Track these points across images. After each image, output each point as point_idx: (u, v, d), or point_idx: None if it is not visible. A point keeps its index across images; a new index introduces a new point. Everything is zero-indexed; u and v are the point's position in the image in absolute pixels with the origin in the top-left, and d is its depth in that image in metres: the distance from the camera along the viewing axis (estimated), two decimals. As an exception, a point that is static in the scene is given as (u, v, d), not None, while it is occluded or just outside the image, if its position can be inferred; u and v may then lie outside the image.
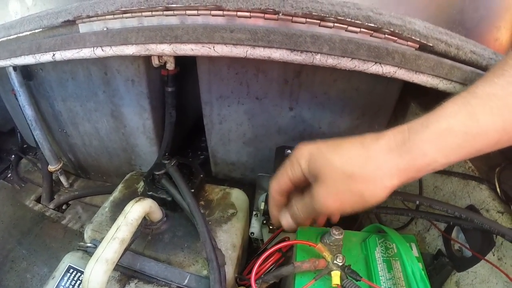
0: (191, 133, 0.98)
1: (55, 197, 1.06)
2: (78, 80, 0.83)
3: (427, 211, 0.61)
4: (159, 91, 0.81)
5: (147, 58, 0.75)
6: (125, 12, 0.59)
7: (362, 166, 0.40)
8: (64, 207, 1.06)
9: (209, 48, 0.49)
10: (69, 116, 0.91)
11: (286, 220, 0.52)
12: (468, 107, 0.37)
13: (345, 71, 0.55)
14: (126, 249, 0.58)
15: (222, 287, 0.54)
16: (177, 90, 0.81)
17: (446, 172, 0.65)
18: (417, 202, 0.53)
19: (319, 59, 0.51)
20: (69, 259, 0.64)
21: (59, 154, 1.03)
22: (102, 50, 0.59)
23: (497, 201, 0.57)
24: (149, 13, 0.59)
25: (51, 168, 0.99)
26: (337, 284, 0.52)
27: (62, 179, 1.05)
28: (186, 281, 0.58)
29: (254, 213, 0.77)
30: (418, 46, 0.57)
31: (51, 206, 1.05)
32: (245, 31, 0.47)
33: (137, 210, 0.56)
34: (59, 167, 0.99)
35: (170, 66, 0.75)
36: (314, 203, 0.44)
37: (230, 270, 0.59)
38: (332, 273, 0.54)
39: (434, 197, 0.68)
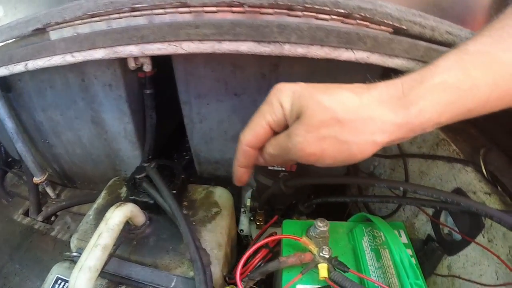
0: (175, 134, 0.99)
1: (43, 209, 1.07)
2: (57, 88, 0.83)
3: (414, 197, 0.62)
4: (138, 94, 0.81)
5: (123, 61, 0.75)
6: (92, 16, 0.60)
7: (355, 113, 0.37)
8: (52, 218, 1.07)
9: (175, 46, 0.50)
10: (50, 125, 0.91)
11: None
12: (460, 62, 0.37)
13: (322, 62, 0.56)
14: (111, 256, 0.59)
15: (208, 287, 0.55)
16: (156, 91, 0.81)
17: (431, 156, 0.66)
18: (401, 189, 0.54)
19: (288, 49, 0.51)
20: (56, 270, 0.65)
21: (43, 165, 1.03)
22: (72, 56, 0.60)
23: (483, 182, 0.57)
24: (117, 15, 0.59)
25: (36, 180, 1.00)
26: (325, 277, 0.53)
27: (49, 190, 1.06)
28: (173, 283, 0.59)
29: (242, 210, 0.77)
30: (392, 30, 0.58)
31: (40, 218, 1.05)
32: (210, 25, 0.48)
33: (118, 215, 0.56)
34: (44, 178, 1.00)
35: (147, 67, 0.76)
36: (290, 143, 0.39)
37: (217, 270, 0.60)
38: (319, 266, 0.54)
39: (421, 182, 0.68)
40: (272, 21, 0.50)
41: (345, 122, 0.37)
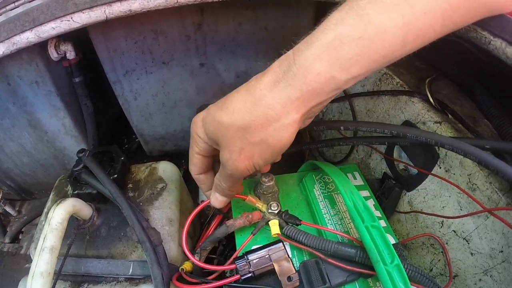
0: (122, 118, 1.02)
1: (7, 229, 1.10)
2: (-15, 99, 0.85)
3: (363, 136, 0.64)
4: (68, 85, 0.83)
5: (44, 54, 0.76)
6: (-10, 12, 0.61)
7: (251, 113, 0.39)
8: (20, 236, 1.11)
9: (68, 20, 0.51)
10: (-10, 141, 0.93)
11: (215, 198, 0.54)
12: (357, 9, 0.36)
13: (248, 12, 0.56)
14: (65, 256, 0.62)
15: (162, 266, 0.57)
16: (89, 78, 0.83)
17: (375, 93, 0.68)
18: (342, 128, 0.56)
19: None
20: (22, 285, 0.68)
21: (-4, 185, 1.06)
22: (-24, 58, 0.61)
23: (432, 111, 0.59)
24: (13, 5, 0.61)
25: (-9, 202, 1.03)
26: (277, 234, 0.55)
27: (8, 208, 1.09)
28: (130, 270, 0.62)
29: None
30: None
31: (7, 240, 1.09)
32: (95, -12, 0.49)
33: (59, 213, 0.58)
34: (0, 197, 1.03)
35: (70, 55, 0.77)
36: (227, 171, 0.45)
37: (172, 246, 0.63)
38: (270, 222, 0.56)
39: (368, 120, 0.70)
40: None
41: (248, 125, 0.40)
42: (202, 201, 0.78)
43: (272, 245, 0.53)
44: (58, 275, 0.58)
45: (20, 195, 1.10)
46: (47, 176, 1.02)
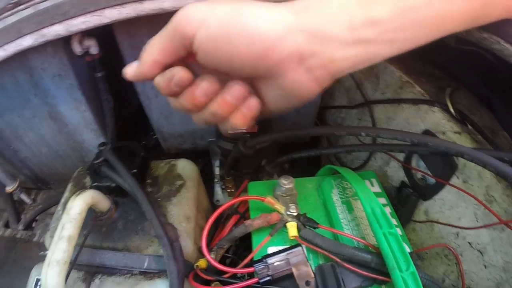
0: (140, 115, 1.02)
1: (22, 217, 1.11)
2: (8, 89, 0.85)
3: (382, 143, 0.64)
4: (90, 80, 0.83)
5: (69, 48, 0.76)
6: (17, 4, 0.61)
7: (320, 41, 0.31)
8: (34, 224, 1.12)
9: (98, 16, 0.51)
10: (11, 131, 0.94)
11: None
12: None
13: None
14: (81, 246, 0.62)
15: (178, 261, 0.58)
16: (108, 73, 0.83)
17: (396, 101, 0.67)
18: (363, 134, 0.55)
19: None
20: (35, 272, 0.68)
21: (14, 173, 1.07)
22: (4, 50, 0.60)
23: (452, 122, 0.59)
24: (41, -2, 0.61)
25: (8, 189, 1.03)
26: (295, 236, 0.55)
27: (24, 197, 1.10)
28: (146, 264, 0.62)
29: (215, 180, 0.80)
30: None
31: (21, 227, 1.10)
32: (128, -15, 0.49)
33: (79, 204, 0.59)
34: (16, 186, 1.04)
35: (94, 50, 0.77)
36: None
37: (188, 243, 0.63)
38: (288, 224, 0.56)
39: (388, 128, 0.70)
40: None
41: (309, 54, 0.32)
42: (217, 201, 0.79)
43: (292, 249, 0.53)
44: (73, 264, 0.59)
45: (36, 184, 1.11)
46: (64, 167, 1.02)
